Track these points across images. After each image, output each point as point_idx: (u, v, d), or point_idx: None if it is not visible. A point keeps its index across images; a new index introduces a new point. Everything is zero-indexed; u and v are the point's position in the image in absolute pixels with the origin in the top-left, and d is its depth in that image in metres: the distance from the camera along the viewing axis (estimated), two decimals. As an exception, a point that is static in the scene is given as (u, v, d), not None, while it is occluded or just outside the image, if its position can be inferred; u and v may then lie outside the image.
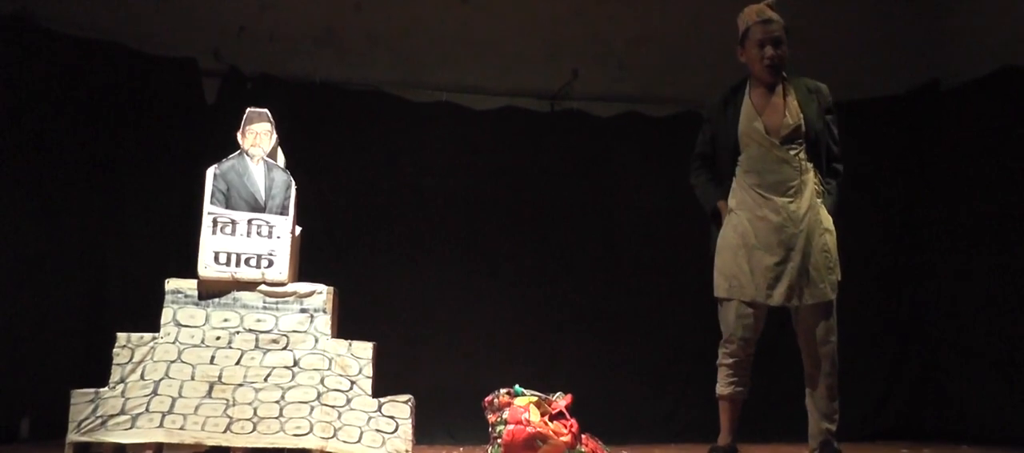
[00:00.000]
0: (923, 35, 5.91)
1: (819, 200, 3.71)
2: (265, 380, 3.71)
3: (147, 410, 3.62)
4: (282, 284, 3.80)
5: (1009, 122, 5.17)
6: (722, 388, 3.72)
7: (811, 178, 3.70)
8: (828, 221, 3.72)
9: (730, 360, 3.68)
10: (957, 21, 5.78)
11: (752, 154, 3.72)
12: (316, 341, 3.77)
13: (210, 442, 3.64)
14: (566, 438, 3.79)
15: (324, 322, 3.80)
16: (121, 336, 3.70)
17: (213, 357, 3.71)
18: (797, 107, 3.72)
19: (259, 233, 3.82)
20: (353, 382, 3.74)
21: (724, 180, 3.84)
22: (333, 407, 3.70)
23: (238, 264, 3.78)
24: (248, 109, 3.97)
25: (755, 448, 4.69)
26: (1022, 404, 4.93)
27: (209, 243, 3.78)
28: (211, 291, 3.77)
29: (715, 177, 3.89)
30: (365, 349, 3.79)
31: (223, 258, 3.77)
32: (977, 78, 5.42)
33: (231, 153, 3.89)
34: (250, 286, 3.79)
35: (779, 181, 3.66)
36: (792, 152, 3.68)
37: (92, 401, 3.60)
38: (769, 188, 3.67)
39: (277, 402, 3.68)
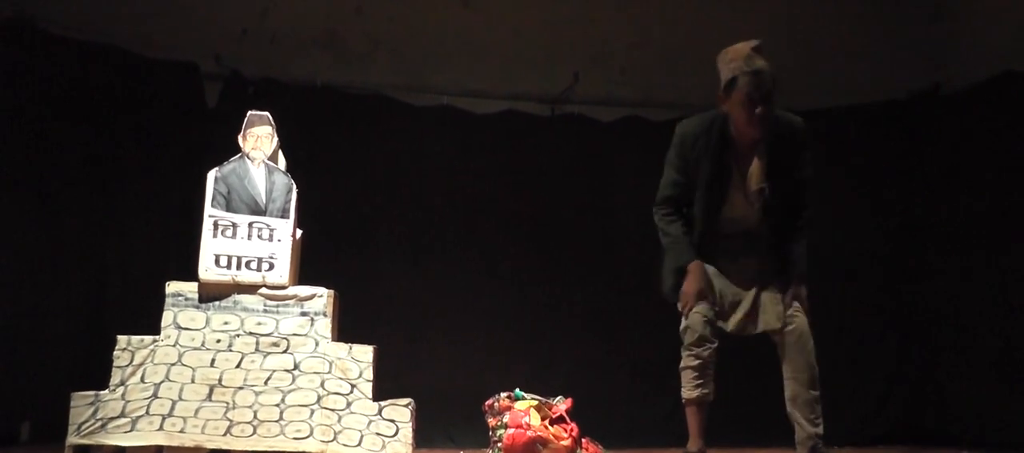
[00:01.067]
0: (924, 40, 5.91)
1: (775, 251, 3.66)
2: (265, 383, 3.71)
3: (147, 413, 3.62)
4: (283, 287, 3.81)
5: (1010, 127, 5.17)
6: (689, 392, 3.66)
7: (773, 233, 3.66)
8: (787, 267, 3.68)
9: (695, 362, 3.63)
10: (958, 26, 5.78)
11: (724, 208, 3.61)
12: (316, 344, 3.78)
13: (210, 445, 3.64)
14: (566, 442, 3.79)
15: (324, 325, 3.80)
16: (121, 339, 3.70)
17: (213, 360, 3.72)
18: (765, 165, 3.56)
19: (260, 236, 3.82)
20: (353, 385, 3.74)
21: (698, 230, 3.66)
22: (333, 410, 3.70)
23: (239, 267, 3.79)
24: (249, 112, 3.97)
25: (748, 451, 4.69)
26: (1022, 407, 4.92)
27: (210, 246, 3.78)
28: (212, 294, 3.77)
29: (688, 226, 3.68)
30: (365, 352, 3.79)
31: (224, 261, 3.78)
32: (978, 83, 5.42)
33: (232, 156, 3.90)
34: (251, 289, 3.79)
35: (742, 233, 3.63)
36: (758, 210, 3.62)
37: (92, 404, 3.61)
38: (730, 239, 3.63)
39: (277, 405, 3.69)
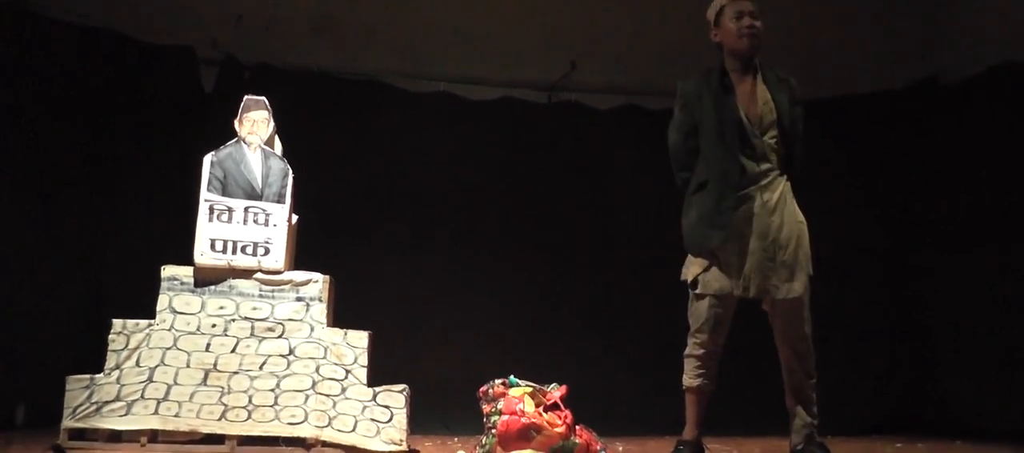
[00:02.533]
0: (922, 31, 5.89)
1: (790, 192, 3.68)
2: (260, 368, 3.71)
3: (142, 397, 3.63)
4: (278, 272, 3.81)
5: (1008, 118, 5.16)
6: (689, 380, 3.68)
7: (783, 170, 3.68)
8: (800, 214, 3.69)
9: (700, 351, 3.64)
10: (956, 16, 5.77)
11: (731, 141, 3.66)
12: (312, 330, 3.78)
13: (205, 430, 3.65)
14: (560, 429, 3.78)
15: (320, 311, 3.80)
16: (117, 323, 3.71)
17: (208, 345, 3.72)
18: (769, 94, 3.67)
19: (256, 221, 3.82)
20: (348, 371, 3.75)
21: (714, 182, 3.66)
22: (328, 396, 3.71)
23: (234, 252, 3.79)
24: (245, 97, 3.97)
25: (743, 441, 4.69)
26: (1018, 400, 4.93)
27: (205, 230, 3.78)
28: (207, 278, 3.77)
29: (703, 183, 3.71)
30: (360, 338, 3.80)
31: (219, 245, 3.78)
32: (976, 74, 5.41)
33: (228, 141, 3.89)
34: (246, 274, 3.79)
35: (755, 171, 3.62)
36: (768, 140, 3.65)
37: (87, 387, 3.61)
38: (744, 177, 3.62)
39: (272, 390, 3.69)
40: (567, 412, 3.87)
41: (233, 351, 3.72)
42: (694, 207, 3.69)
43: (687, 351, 3.70)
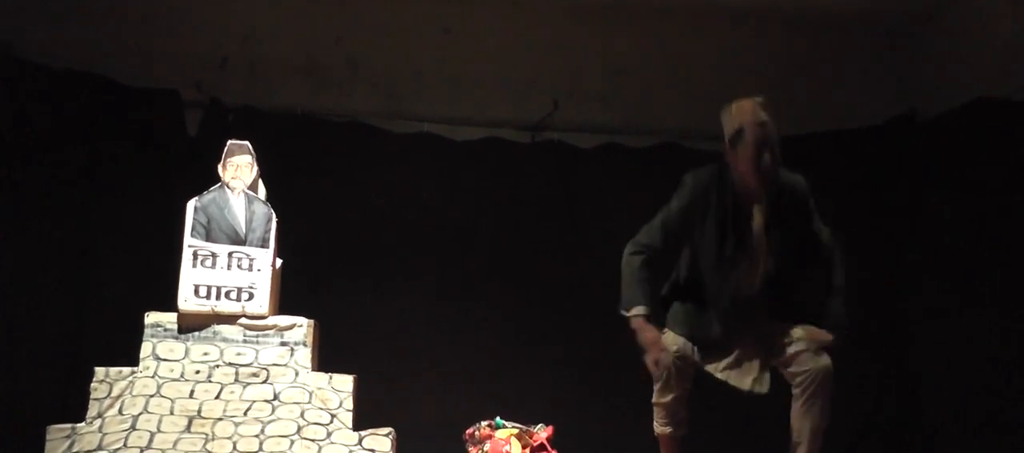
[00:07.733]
0: (899, 67, 5.97)
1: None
2: (245, 414, 3.69)
3: (125, 445, 3.59)
4: (262, 317, 3.80)
5: (982, 152, 5.19)
6: (660, 428, 3.63)
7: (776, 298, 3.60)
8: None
9: (664, 398, 3.59)
10: (930, 54, 5.85)
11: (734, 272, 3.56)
12: (296, 374, 3.76)
13: (189, 478, 3.61)
14: (547, 470, 3.79)
15: (305, 355, 3.80)
16: (99, 371, 3.69)
17: (193, 391, 3.70)
18: (768, 224, 3.51)
19: (239, 266, 3.82)
20: (334, 415, 3.73)
21: (706, 295, 3.58)
22: (313, 441, 3.68)
23: (218, 297, 3.78)
24: (229, 142, 3.98)
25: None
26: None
27: (189, 276, 3.78)
28: (191, 325, 3.76)
29: (687, 289, 3.63)
30: (346, 382, 3.79)
31: (203, 291, 3.77)
32: (951, 109, 5.46)
33: (212, 185, 3.89)
34: (230, 319, 3.79)
35: (745, 299, 3.54)
36: (763, 273, 3.53)
37: (68, 437, 3.58)
38: (735, 305, 3.55)
39: (257, 436, 3.66)
40: (554, 452, 3.88)
41: (217, 397, 3.70)
42: (679, 307, 3.64)
43: (653, 399, 3.67)
